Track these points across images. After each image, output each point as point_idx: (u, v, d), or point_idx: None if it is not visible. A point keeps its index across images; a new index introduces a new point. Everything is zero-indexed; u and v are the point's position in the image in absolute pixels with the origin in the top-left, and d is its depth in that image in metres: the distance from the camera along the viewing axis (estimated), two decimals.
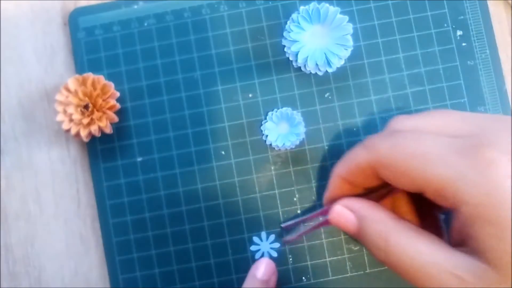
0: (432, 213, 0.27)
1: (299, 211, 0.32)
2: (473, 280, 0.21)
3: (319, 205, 0.32)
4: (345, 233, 0.30)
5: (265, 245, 0.32)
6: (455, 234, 0.23)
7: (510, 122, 0.23)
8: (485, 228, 0.21)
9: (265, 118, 0.33)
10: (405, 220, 0.25)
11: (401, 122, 0.26)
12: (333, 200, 0.28)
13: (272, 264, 0.31)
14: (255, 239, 0.32)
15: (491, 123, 0.23)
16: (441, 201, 0.23)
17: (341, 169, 0.27)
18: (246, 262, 0.32)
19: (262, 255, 0.32)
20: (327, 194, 0.29)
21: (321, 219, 0.30)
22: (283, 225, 0.32)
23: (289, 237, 0.31)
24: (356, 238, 0.27)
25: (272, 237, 0.32)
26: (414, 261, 0.23)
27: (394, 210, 0.27)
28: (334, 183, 0.28)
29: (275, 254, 0.32)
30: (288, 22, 0.32)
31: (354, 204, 0.27)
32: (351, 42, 0.31)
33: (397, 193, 0.27)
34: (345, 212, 0.27)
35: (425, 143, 0.23)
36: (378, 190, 0.27)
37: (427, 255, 0.23)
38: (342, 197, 0.28)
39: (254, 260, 0.32)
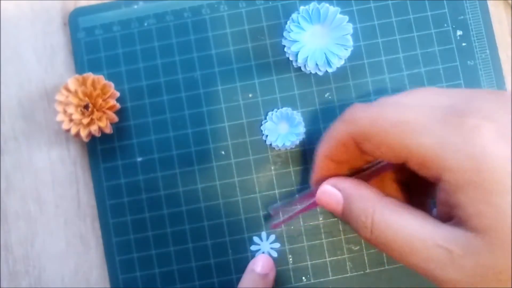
0: (420, 193, 0.27)
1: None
2: (461, 251, 0.21)
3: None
4: (333, 214, 0.30)
5: (265, 245, 0.32)
6: (441, 206, 0.23)
7: (494, 93, 0.23)
8: (469, 193, 0.20)
9: (265, 118, 0.33)
10: (390, 197, 0.25)
11: (383, 100, 0.25)
12: (320, 182, 0.28)
13: (270, 260, 0.31)
14: (255, 239, 0.32)
15: (474, 94, 0.23)
16: (425, 171, 0.22)
17: (324, 147, 0.27)
18: (246, 262, 0.32)
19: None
20: (314, 176, 0.28)
21: (310, 202, 0.29)
22: (271, 209, 0.32)
23: (277, 221, 0.31)
24: (342, 218, 0.26)
25: (273, 237, 0.32)
26: (398, 235, 0.23)
27: (382, 190, 0.27)
28: (319, 164, 0.27)
29: (275, 254, 0.32)
30: (288, 22, 0.32)
31: (340, 183, 0.26)
32: (351, 42, 0.31)
33: (385, 173, 0.27)
34: (332, 191, 0.26)
35: (407, 112, 0.23)
36: (365, 170, 0.27)
37: (412, 229, 0.22)
38: (328, 177, 0.27)
39: None
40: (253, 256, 0.32)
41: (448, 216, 0.22)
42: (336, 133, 0.25)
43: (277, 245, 0.32)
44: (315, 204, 0.28)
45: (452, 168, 0.21)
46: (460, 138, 0.21)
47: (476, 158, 0.20)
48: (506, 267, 0.20)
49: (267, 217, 0.32)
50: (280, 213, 0.31)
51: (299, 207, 0.30)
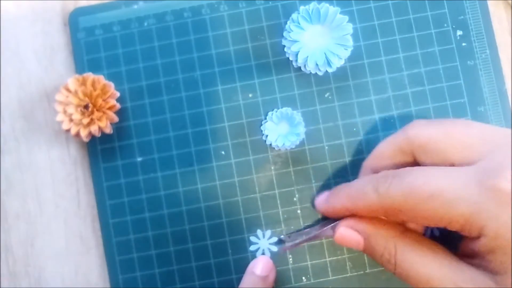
0: None
1: (299, 211, 0.32)
2: None
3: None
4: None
5: (263, 242, 0.32)
6: (467, 250, 0.24)
7: None
8: (502, 257, 0.22)
9: (265, 118, 0.33)
10: (410, 232, 0.26)
11: (419, 130, 0.25)
12: (329, 215, 0.29)
13: (270, 261, 0.31)
14: (253, 238, 0.32)
15: (507, 141, 0.23)
16: (464, 233, 0.23)
17: (349, 204, 0.27)
18: (246, 262, 0.32)
19: (263, 253, 0.32)
20: (324, 208, 0.30)
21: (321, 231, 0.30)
22: (282, 236, 0.32)
23: (286, 246, 0.31)
24: (364, 253, 0.28)
25: (269, 232, 0.32)
26: (420, 275, 0.24)
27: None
28: (336, 209, 0.28)
29: (275, 249, 0.32)
30: (288, 22, 0.32)
31: (358, 224, 0.27)
32: (351, 42, 0.31)
33: None
34: (350, 233, 0.27)
35: (441, 182, 0.22)
36: None
37: (433, 269, 0.23)
38: (340, 216, 0.28)
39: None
40: (253, 256, 0.32)
41: (470, 256, 0.23)
42: (366, 201, 0.25)
43: (274, 239, 0.32)
44: (328, 233, 0.29)
45: (490, 235, 0.22)
46: (496, 204, 0.21)
47: (509, 226, 0.21)
48: None
49: (278, 242, 0.32)
50: (292, 239, 0.31)
51: (313, 232, 0.30)
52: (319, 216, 0.32)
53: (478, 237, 0.22)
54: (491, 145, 0.23)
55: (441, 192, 0.22)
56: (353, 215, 0.27)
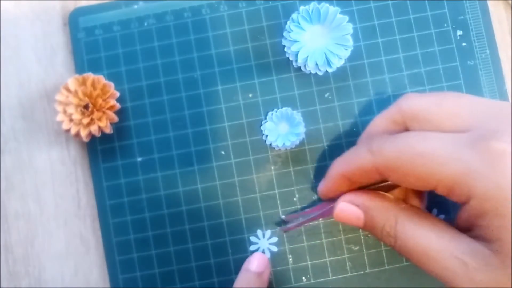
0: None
1: (298, 206, 0.32)
2: (476, 264, 0.22)
3: (319, 199, 0.32)
4: (353, 226, 0.30)
5: (263, 242, 0.32)
6: (462, 222, 0.23)
7: None
8: (494, 220, 0.21)
9: (265, 118, 0.33)
10: (409, 205, 0.26)
11: (411, 101, 0.25)
12: (330, 194, 0.28)
13: (265, 258, 0.31)
14: (253, 238, 0.32)
15: (501, 113, 0.23)
16: (453, 197, 0.23)
17: (344, 167, 0.27)
18: None
19: (263, 252, 0.32)
20: (324, 188, 0.29)
21: (320, 212, 0.30)
22: (283, 217, 0.32)
23: (288, 226, 0.31)
24: (364, 230, 0.27)
25: (269, 233, 0.32)
26: (418, 246, 0.24)
27: (399, 194, 0.28)
28: (333, 179, 0.28)
29: (275, 249, 0.32)
30: (288, 22, 0.32)
31: (358, 198, 0.27)
32: (351, 42, 0.31)
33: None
34: (350, 208, 0.27)
35: (433, 142, 0.23)
36: (375, 185, 0.28)
37: (430, 238, 0.23)
38: (339, 191, 0.28)
39: None
40: None
41: (467, 229, 0.23)
42: (360, 160, 0.26)
43: (275, 239, 0.32)
44: (327, 214, 0.29)
45: (479, 196, 0.21)
46: (487, 164, 0.21)
47: (501, 186, 0.21)
48: None
49: (279, 223, 0.32)
50: (291, 220, 0.32)
51: (311, 214, 0.30)
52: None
53: (467, 201, 0.22)
54: (482, 114, 0.23)
55: (432, 151, 0.22)
56: (352, 191, 0.27)
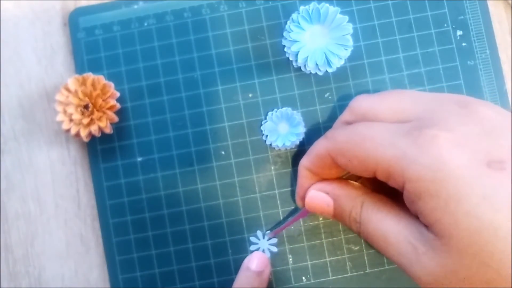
0: None
1: (299, 211, 0.32)
2: (424, 248, 0.22)
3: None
4: (324, 217, 0.31)
5: (263, 242, 0.32)
6: (410, 210, 0.24)
7: (461, 103, 0.24)
8: (428, 202, 0.21)
9: (265, 118, 0.33)
10: (376, 193, 0.26)
11: (359, 102, 0.27)
12: (301, 193, 0.29)
13: (265, 257, 0.32)
14: (253, 239, 0.32)
15: (439, 106, 0.24)
16: (391, 182, 0.23)
17: (305, 160, 0.28)
18: None
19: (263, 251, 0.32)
20: (299, 191, 0.29)
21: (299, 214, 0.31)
22: (268, 232, 0.32)
23: (272, 233, 0.32)
24: (334, 218, 0.28)
25: (268, 233, 0.32)
26: (379, 231, 0.24)
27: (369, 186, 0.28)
28: (302, 176, 0.29)
29: (275, 250, 0.32)
30: (288, 22, 0.32)
31: (326, 185, 0.28)
32: (351, 42, 0.31)
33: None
34: (320, 195, 0.28)
35: (375, 129, 0.24)
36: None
37: (388, 223, 0.24)
38: (307, 188, 0.29)
39: None
40: None
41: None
42: (316, 148, 0.27)
43: (274, 240, 0.32)
44: (305, 212, 0.30)
45: (412, 178, 0.22)
46: (419, 149, 0.22)
47: (432, 168, 0.21)
48: (463, 270, 0.21)
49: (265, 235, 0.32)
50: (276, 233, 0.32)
51: (290, 218, 0.32)
52: (320, 217, 0.32)
53: (404, 186, 0.22)
54: (423, 107, 0.24)
55: (373, 136, 0.24)
56: (321, 181, 0.28)
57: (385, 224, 0.24)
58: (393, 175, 0.23)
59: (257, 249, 0.32)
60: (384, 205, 0.25)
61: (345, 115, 0.28)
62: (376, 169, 0.24)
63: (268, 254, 0.32)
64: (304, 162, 0.28)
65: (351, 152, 0.25)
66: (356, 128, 0.25)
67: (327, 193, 0.27)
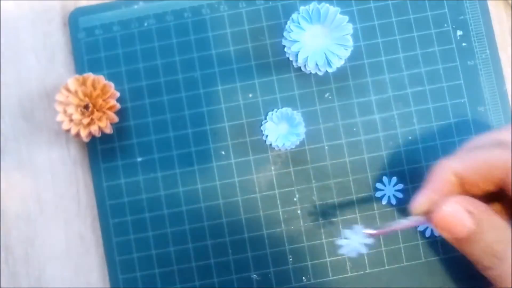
0: None
1: (299, 211, 0.32)
2: None
3: (319, 205, 0.32)
4: (443, 237, 0.24)
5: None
6: None
7: None
8: None
9: (265, 118, 0.33)
10: None
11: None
12: (428, 201, 0.24)
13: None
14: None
15: None
16: None
17: (458, 162, 0.23)
18: (246, 263, 0.32)
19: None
20: (430, 195, 0.24)
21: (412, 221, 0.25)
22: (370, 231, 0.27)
23: (375, 231, 0.26)
24: (459, 243, 0.23)
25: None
26: None
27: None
28: (443, 180, 0.24)
29: (363, 251, 0.26)
30: (288, 22, 0.32)
31: (471, 204, 0.23)
32: (351, 42, 0.31)
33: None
34: (461, 212, 0.22)
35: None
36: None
37: None
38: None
39: (255, 261, 0.32)
40: (255, 257, 0.32)
41: None
42: (487, 156, 0.24)
43: (370, 240, 0.26)
44: (420, 222, 0.25)
45: None
46: None
47: None
48: None
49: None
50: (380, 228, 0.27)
51: (394, 223, 0.26)
52: (320, 217, 0.32)
53: None
54: None
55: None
56: (459, 196, 0.23)
57: None
58: None
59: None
60: None
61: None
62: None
63: (353, 254, 0.27)
64: (455, 164, 0.23)
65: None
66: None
67: (470, 213, 0.22)
